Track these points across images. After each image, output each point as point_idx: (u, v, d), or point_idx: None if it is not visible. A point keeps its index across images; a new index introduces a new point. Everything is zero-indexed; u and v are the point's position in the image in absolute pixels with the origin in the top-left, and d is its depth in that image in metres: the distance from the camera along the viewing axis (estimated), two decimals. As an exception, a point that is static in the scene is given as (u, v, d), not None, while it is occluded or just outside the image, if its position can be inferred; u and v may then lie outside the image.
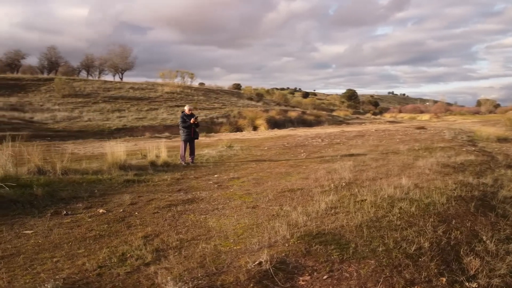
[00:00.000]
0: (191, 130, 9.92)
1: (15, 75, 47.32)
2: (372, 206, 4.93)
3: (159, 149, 9.65)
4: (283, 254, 3.50)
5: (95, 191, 6.25)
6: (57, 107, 34.76)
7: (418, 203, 5.04)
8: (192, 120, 9.82)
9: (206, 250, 3.69)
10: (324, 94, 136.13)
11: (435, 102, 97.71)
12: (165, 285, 2.86)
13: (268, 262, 3.25)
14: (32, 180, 6.18)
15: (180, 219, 4.80)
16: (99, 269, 3.22)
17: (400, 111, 78.27)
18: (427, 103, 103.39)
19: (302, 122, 44.41)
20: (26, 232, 4.24)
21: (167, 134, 23.16)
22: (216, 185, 6.96)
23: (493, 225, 4.62)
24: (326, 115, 54.05)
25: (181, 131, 10.07)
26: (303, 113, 52.47)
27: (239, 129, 34.86)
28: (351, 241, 3.84)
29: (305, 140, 17.04)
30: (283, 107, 54.34)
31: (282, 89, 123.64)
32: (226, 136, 23.30)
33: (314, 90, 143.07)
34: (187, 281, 2.96)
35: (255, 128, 36.63)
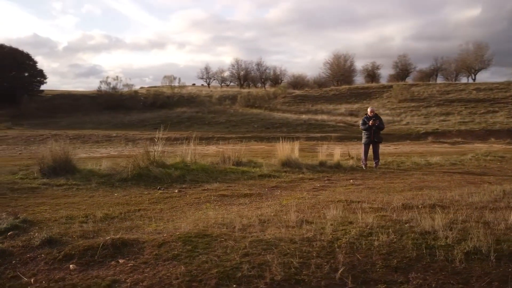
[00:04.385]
0: (371, 132, 9.37)
1: (365, 84, 53.72)
2: (347, 231, 3.89)
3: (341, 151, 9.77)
4: (146, 240, 3.84)
5: (216, 178, 7.68)
6: (387, 111, 37.19)
7: (431, 244, 3.49)
8: (370, 122, 9.28)
9: (132, 225, 4.50)
10: None
11: None
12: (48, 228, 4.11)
13: (110, 239, 3.80)
14: (190, 165, 8.40)
15: (198, 205, 5.53)
16: (70, 218, 4.81)
17: None
18: None
19: None
20: (116, 194, 6.38)
21: (457, 139, 20.54)
22: (312, 188, 6.78)
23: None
24: None
25: (362, 134, 9.69)
26: None
27: None
28: (214, 247, 3.54)
29: None
30: None
31: None
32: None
33: None
34: (62, 236, 4.07)
35: None
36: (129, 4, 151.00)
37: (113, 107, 40.55)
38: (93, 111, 40.61)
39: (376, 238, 3.61)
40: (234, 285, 2.97)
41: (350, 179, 7.68)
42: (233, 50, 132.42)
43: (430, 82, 53.04)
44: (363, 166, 9.38)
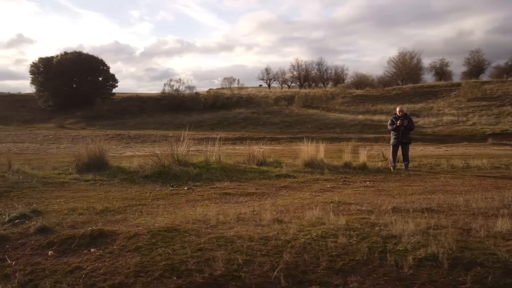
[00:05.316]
0: (399, 133, 8.95)
1: (431, 82, 50.72)
2: (311, 232, 3.87)
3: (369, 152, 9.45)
4: (121, 232, 4.11)
5: (232, 177, 7.82)
6: (453, 111, 34.98)
7: (388, 249, 3.38)
8: (398, 123, 8.87)
9: (121, 218, 4.81)
10: None
11: None
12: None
13: (90, 230, 4.11)
14: (211, 164, 8.65)
15: (196, 203, 5.74)
16: (73, 209, 5.24)
17: None
18: None
19: None
20: (130, 190, 6.79)
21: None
22: (320, 189, 6.69)
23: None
24: None
25: (391, 135, 9.29)
26: None
27: None
28: (175, 241, 3.70)
29: None
30: None
31: None
32: None
33: None
34: (55, 225, 4.46)
35: None
36: (200, 10, 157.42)
37: (175, 109, 42.48)
38: (157, 113, 42.86)
39: (335, 240, 3.55)
40: (174, 277, 3.11)
41: (367, 181, 7.44)
42: (300, 50, 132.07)
43: (508, 79, 48.55)
44: (391, 168, 9.00)
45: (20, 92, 49.15)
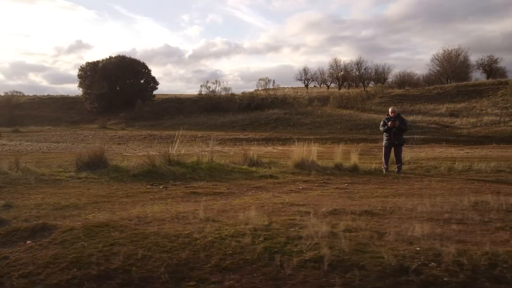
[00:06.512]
0: (391, 134, 8.69)
1: (476, 81, 48.05)
2: (224, 231, 3.96)
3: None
4: (61, 227, 4.40)
5: (215, 177, 7.97)
6: (496, 111, 33.06)
7: (283, 250, 3.45)
8: (389, 124, 8.61)
9: (76, 213, 5.13)
10: None
11: None
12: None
13: (34, 224, 4.44)
14: (200, 164, 8.87)
15: (158, 201, 5.96)
16: (39, 205, 5.64)
17: None
18: None
19: None
20: (109, 188, 7.14)
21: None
22: (290, 190, 6.69)
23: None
24: None
25: (383, 136, 9.03)
26: None
27: None
28: (97, 236, 3.92)
29: None
30: None
31: None
32: None
33: None
34: (13, 218, 4.84)
35: None
36: (248, 11, 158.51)
37: (211, 110, 43.32)
38: (194, 113, 43.92)
39: (240, 239, 3.64)
40: (75, 269, 3.33)
41: (346, 183, 7.32)
42: (349, 49, 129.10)
43: None
44: (384, 170, 8.76)
45: (78, 95, 52.12)
